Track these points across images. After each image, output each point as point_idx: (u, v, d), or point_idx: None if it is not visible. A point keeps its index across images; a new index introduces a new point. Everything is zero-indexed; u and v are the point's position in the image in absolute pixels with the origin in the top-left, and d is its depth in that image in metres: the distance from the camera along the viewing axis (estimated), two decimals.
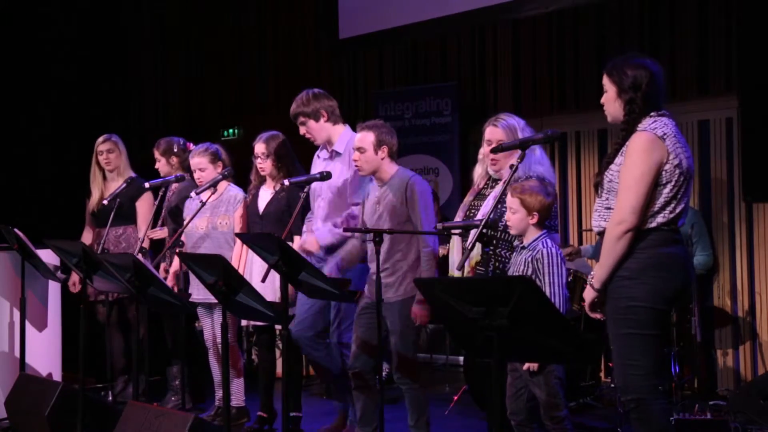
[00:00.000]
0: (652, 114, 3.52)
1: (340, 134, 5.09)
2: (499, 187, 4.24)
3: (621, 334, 3.50)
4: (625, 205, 3.44)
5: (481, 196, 4.40)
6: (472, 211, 4.38)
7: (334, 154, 5.08)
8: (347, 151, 4.99)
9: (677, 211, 3.49)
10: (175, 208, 5.87)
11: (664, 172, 3.45)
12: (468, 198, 4.51)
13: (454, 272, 4.35)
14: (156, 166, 6.11)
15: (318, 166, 5.17)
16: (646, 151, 3.43)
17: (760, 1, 5.79)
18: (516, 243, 4.08)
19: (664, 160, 3.45)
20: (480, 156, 4.47)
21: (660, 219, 3.47)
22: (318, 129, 5.07)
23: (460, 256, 4.32)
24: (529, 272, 3.88)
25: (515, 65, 7.38)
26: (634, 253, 3.47)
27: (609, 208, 3.54)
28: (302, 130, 5.11)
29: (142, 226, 6.15)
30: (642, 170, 3.43)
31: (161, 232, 5.91)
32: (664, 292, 3.48)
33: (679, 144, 3.50)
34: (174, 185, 5.90)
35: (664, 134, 3.47)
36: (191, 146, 6.03)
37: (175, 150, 6.07)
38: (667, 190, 3.46)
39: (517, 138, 4.16)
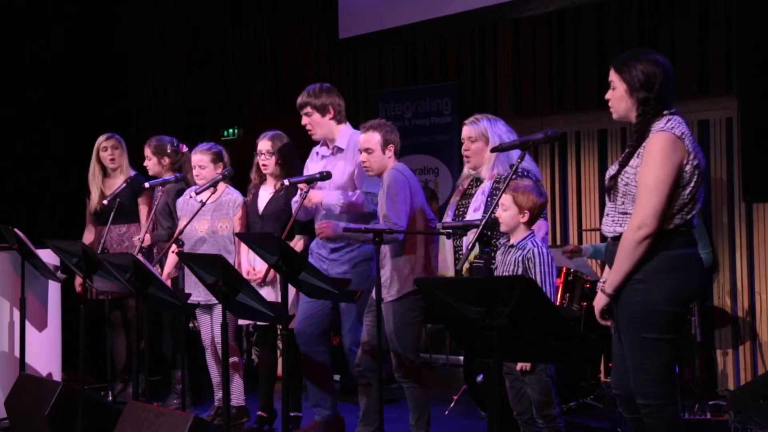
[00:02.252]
0: (665, 113, 3.40)
1: (342, 131, 5.06)
2: (487, 183, 4.29)
3: (636, 338, 3.37)
4: (646, 209, 3.29)
5: (467, 195, 4.45)
6: (461, 210, 4.42)
7: (336, 150, 5.05)
8: (350, 148, 4.98)
9: (693, 212, 3.38)
10: (165, 209, 5.85)
11: (684, 174, 3.32)
12: (455, 198, 4.55)
13: (447, 272, 4.37)
14: (144, 164, 6.04)
15: (316, 162, 5.12)
16: (668, 153, 3.29)
17: (760, 1, 5.79)
18: (503, 241, 4.10)
19: (684, 161, 3.32)
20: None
21: (677, 221, 3.35)
22: (321, 123, 5.03)
23: (451, 256, 4.36)
24: (519, 271, 3.89)
25: (515, 65, 7.38)
26: (648, 255, 3.34)
27: (625, 213, 3.40)
28: (305, 120, 5.05)
29: (144, 224, 6.14)
30: (665, 173, 3.28)
31: (147, 238, 5.87)
32: (681, 293, 3.36)
33: (695, 142, 3.38)
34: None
35: (683, 134, 3.33)
36: (184, 147, 6.02)
37: (168, 150, 6.01)
38: (687, 192, 3.34)
39: (488, 137, 4.34)
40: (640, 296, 3.36)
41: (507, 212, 3.95)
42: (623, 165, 3.42)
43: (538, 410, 3.96)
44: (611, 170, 3.52)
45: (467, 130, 4.42)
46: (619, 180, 3.43)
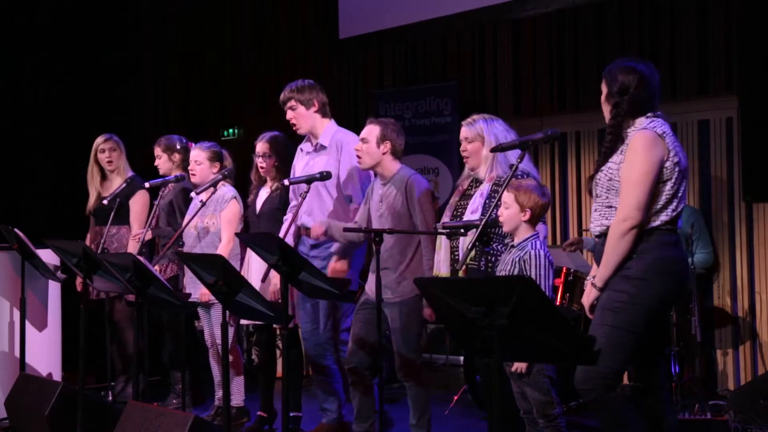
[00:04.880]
0: (648, 115, 3.58)
1: (326, 127, 5.07)
2: (485, 185, 4.29)
3: (607, 325, 3.50)
4: (629, 202, 3.45)
5: (466, 196, 4.45)
6: (459, 210, 4.43)
7: (319, 147, 5.07)
8: (332, 145, 5.00)
9: (678, 209, 3.53)
10: (168, 206, 5.86)
11: (665, 170, 3.49)
12: (454, 199, 4.56)
13: (440, 271, 4.38)
14: (156, 164, 6.07)
15: (301, 159, 5.15)
16: (649, 149, 3.47)
17: (760, 2, 5.79)
18: (507, 240, 4.10)
19: (665, 157, 3.49)
20: None
21: (663, 217, 3.50)
22: (306, 117, 5.04)
23: (447, 256, 4.37)
24: (516, 272, 3.89)
25: (515, 65, 7.38)
26: (639, 253, 3.48)
27: (611, 207, 3.55)
28: (289, 114, 5.07)
29: (134, 225, 6.14)
30: (646, 167, 3.46)
31: (147, 234, 5.88)
32: (666, 295, 3.52)
33: (676, 142, 3.56)
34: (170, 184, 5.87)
35: (664, 132, 3.52)
36: (192, 145, 6.02)
37: (178, 147, 6.05)
38: (668, 187, 3.50)
39: (484, 138, 4.35)
40: (629, 290, 3.48)
41: (508, 210, 3.95)
42: (601, 165, 3.60)
43: (539, 410, 3.97)
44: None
45: (464, 131, 4.45)
46: (601, 176, 3.59)
